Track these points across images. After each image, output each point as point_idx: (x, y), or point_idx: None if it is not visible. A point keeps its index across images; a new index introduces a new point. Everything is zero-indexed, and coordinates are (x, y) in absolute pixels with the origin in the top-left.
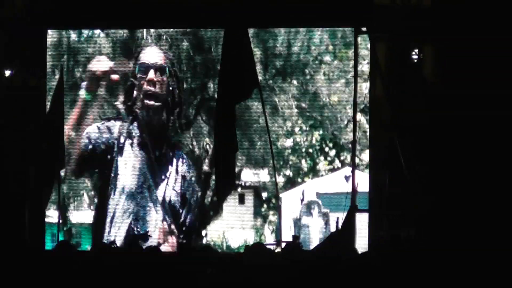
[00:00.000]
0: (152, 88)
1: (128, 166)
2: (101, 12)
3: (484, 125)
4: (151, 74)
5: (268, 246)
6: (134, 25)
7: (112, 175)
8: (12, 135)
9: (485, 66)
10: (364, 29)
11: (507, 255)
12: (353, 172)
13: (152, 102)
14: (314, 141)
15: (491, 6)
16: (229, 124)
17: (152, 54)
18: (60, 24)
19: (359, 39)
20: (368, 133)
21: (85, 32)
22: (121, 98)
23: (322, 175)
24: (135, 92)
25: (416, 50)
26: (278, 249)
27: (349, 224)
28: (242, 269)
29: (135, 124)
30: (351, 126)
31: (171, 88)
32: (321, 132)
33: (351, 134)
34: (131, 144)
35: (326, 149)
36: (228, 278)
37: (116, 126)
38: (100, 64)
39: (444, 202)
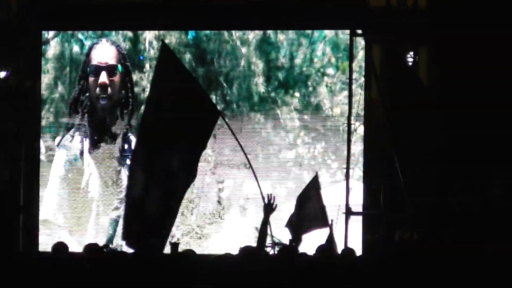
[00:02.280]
0: (104, 94)
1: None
2: (96, 15)
3: (480, 126)
4: (103, 77)
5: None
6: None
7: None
8: (5, 138)
9: (481, 68)
10: (360, 31)
11: (504, 256)
12: (347, 174)
13: (105, 102)
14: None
15: (487, 8)
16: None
17: (103, 53)
18: (55, 26)
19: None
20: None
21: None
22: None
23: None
24: (86, 94)
25: (411, 53)
26: (272, 252)
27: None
28: (235, 276)
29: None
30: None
31: (123, 85)
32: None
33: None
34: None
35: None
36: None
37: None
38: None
39: (439, 204)
